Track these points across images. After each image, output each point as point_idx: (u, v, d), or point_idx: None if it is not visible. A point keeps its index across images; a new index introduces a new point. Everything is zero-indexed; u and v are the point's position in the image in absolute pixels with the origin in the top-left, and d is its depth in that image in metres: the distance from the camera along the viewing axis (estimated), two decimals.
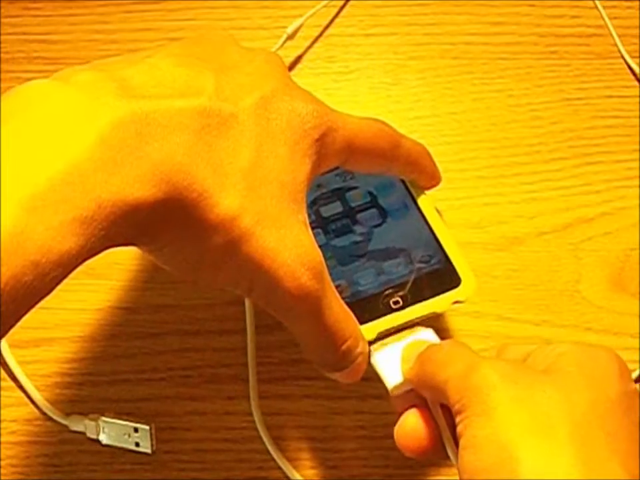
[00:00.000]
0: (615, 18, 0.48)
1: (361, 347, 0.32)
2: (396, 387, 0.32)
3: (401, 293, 0.34)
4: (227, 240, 0.28)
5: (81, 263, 0.26)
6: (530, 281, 0.42)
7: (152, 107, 0.27)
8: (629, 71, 0.47)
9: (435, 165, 0.37)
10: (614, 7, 0.49)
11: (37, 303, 0.25)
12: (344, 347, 0.31)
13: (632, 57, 0.47)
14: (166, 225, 0.27)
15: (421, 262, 0.35)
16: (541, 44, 0.48)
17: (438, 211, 0.37)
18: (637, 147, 0.45)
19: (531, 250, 0.42)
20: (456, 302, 0.34)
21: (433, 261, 0.35)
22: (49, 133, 0.25)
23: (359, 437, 0.39)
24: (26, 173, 0.24)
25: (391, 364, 0.32)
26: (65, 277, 0.25)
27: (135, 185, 0.25)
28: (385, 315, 0.34)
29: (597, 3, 0.48)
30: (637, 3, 0.49)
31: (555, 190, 0.44)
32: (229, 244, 0.28)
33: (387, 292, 0.34)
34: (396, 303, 0.34)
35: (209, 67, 0.30)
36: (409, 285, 0.34)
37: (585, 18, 0.48)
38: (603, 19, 0.48)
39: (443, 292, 0.34)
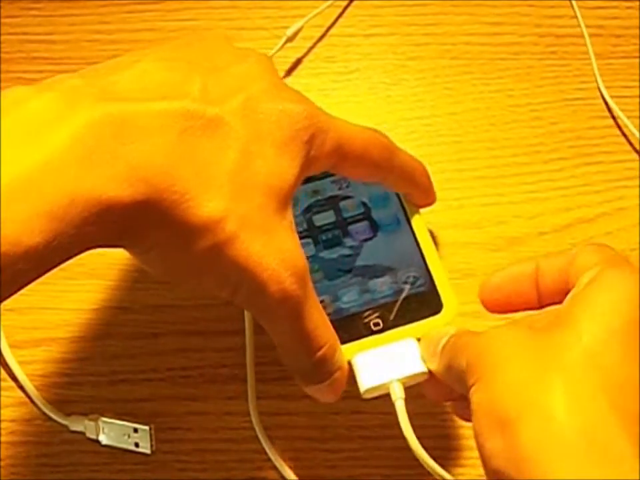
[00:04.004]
0: (615, 18, 0.48)
1: (339, 361, 0.32)
2: (368, 391, 0.33)
3: (382, 315, 0.34)
4: (212, 243, 0.28)
5: (55, 263, 0.26)
6: None
7: (130, 109, 0.27)
8: (627, 72, 0.47)
9: (430, 182, 0.37)
10: (614, 7, 0.49)
11: (2, 297, 0.25)
12: (319, 354, 0.31)
13: (632, 58, 0.47)
14: (148, 227, 0.27)
15: (406, 282, 0.35)
16: (541, 44, 0.48)
17: (430, 232, 0.37)
18: (637, 147, 0.45)
19: (530, 250, 0.42)
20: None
21: (418, 283, 0.35)
22: (24, 132, 0.25)
23: (359, 437, 0.39)
24: None
25: (368, 367, 0.33)
26: (35, 274, 0.26)
27: (110, 185, 0.26)
28: (364, 336, 0.34)
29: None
30: (637, 3, 0.49)
31: (555, 190, 0.44)
32: (214, 247, 0.28)
33: (368, 312, 0.34)
34: (376, 324, 0.34)
35: (197, 71, 0.30)
36: (390, 307, 0.34)
37: (585, 18, 0.48)
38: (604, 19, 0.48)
39: (424, 317, 0.34)
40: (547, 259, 0.31)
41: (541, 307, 0.31)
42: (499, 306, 0.32)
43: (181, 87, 0.29)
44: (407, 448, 0.33)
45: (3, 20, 0.49)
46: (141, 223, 0.27)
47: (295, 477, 0.38)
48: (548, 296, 0.31)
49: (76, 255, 0.27)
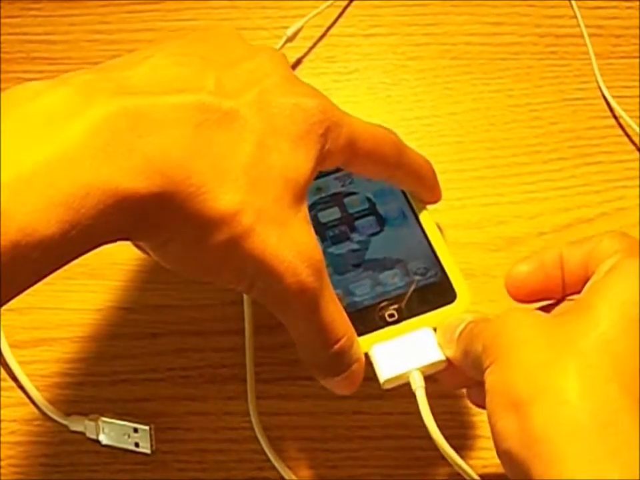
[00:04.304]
0: (615, 18, 0.48)
1: (356, 353, 0.32)
2: (388, 381, 0.33)
3: (396, 306, 0.34)
4: (228, 236, 0.28)
5: (71, 255, 0.26)
6: None
7: (146, 102, 0.27)
8: (627, 72, 0.47)
9: (436, 180, 0.37)
10: (614, 7, 0.49)
11: (20, 288, 0.25)
12: (337, 346, 0.31)
13: (632, 58, 0.47)
14: (165, 220, 0.27)
15: (417, 274, 0.35)
16: (541, 44, 0.48)
17: (438, 226, 0.37)
18: (637, 146, 0.45)
19: (530, 250, 0.42)
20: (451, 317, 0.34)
21: (429, 274, 0.35)
22: (40, 124, 0.25)
23: (359, 437, 0.39)
24: (12, 157, 0.24)
25: (387, 358, 0.33)
26: (50, 266, 0.26)
27: (127, 176, 0.26)
28: (380, 328, 0.34)
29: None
30: (637, 3, 0.49)
31: (555, 190, 0.44)
32: (230, 241, 0.28)
33: (382, 304, 0.34)
34: (391, 316, 0.34)
35: (211, 65, 0.30)
36: (404, 298, 0.34)
37: (585, 18, 0.48)
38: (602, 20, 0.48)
39: (439, 307, 0.34)
40: (569, 247, 0.31)
41: (564, 295, 0.32)
42: (526, 295, 0.32)
43: (195, 80, 0.29)
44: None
45: (3, 20, 0.49)
46: (158, 216, 0.27)
47: (295, 477, 0.38)
48: (571, 284, 0.31)
49: (93, 248, 0.27)
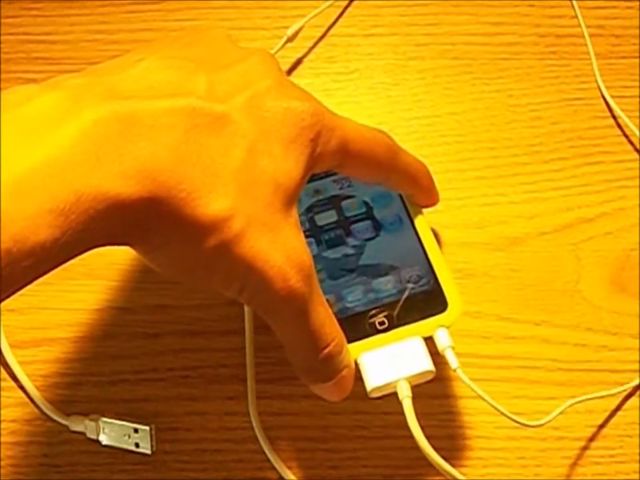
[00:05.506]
0: (615, 18, 0.48)
1: (346, 359, 0.32)
2: (375, 389, 0.33)
3: (387, 314, 0.34)
4: (219, 242, 0.28)
5: (62, 260, 0.26)
6: (530, 281, 0.42)
7: (137, 107, 0.27)
8: (628, 72, 0.47)
9: (433, 183, 0.37)
10: (614, 7, 0.49)
11: (9, 292, 0.25)
12: (326, 351, 0.31)
13: (632, 58, 0.47)
14: (156, 225, 0.27)
15: (409, 281, 0.35)
16: (541, 44, 0.48)
17: (433, 231, 0.37)
18: (637, 146, 0.45)
19: (530, 250, 0.42)
20: (441, 326, 0.34)
21: (422, 282, 0.35)
22: (30, 129, 0.25)
23: (359, 437, 0.39)
24: (3, 162, 0.24)
25: (374, 366, 0.33)
26: (41, 271, 0.26)
27: (117, 181, 0.26)
28: (370, 335, 0.34)
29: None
30: (637, 3, 0.49)
31: (555, 190, 0.44)
32: (221, 246, 0.28)
33: (373, 311, 0.34)
34: (382, 324, 0.34)
35: (201, 69, 0.30)
36: (395, 306, 0.34)
37: (585, 18, 0.48)
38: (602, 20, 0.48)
39: (429, 316, 0.34)
40: None
41: None
42: None
43: (186, 84, 0.29)
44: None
45: (3, 20, 0.49)
46: (149, 221, 0.27)
47: (295, 477, 0.38)
48: None
49: (83, 252, 0.27)
